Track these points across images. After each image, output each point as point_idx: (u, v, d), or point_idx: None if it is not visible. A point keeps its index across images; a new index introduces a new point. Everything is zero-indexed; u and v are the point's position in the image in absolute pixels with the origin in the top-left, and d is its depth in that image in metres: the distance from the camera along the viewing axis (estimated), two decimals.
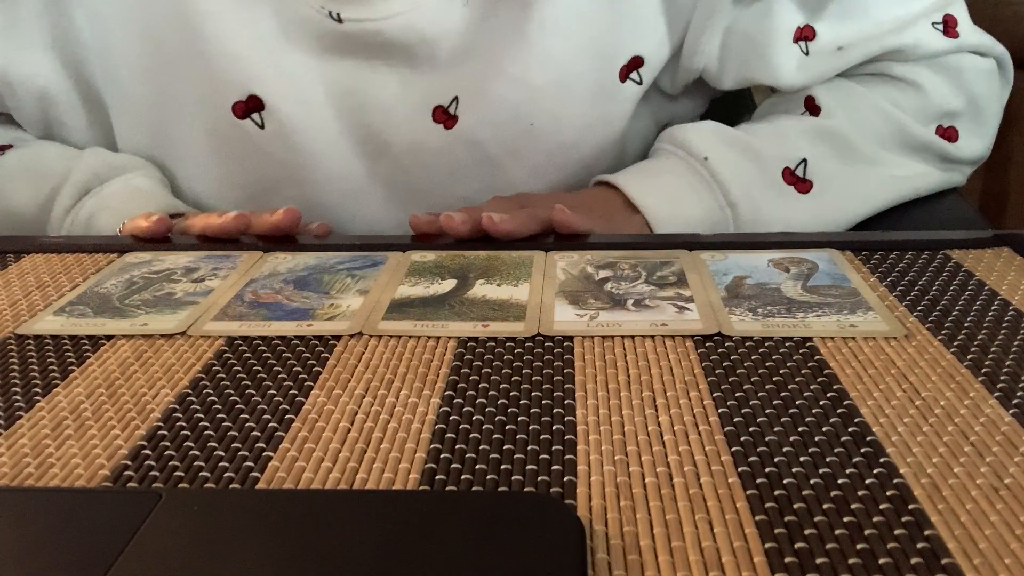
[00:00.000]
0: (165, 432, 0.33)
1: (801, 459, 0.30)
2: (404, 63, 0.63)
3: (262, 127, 0.63)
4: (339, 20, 0.61)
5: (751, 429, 0.32)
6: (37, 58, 0.65)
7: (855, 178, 0.65)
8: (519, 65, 0.63)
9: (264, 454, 0.32)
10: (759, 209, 0.62)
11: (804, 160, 0.63)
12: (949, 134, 0.68)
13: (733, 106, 0.78)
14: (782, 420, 0.33)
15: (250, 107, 0.63)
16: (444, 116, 0.64)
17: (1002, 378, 0.36)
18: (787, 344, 0.39)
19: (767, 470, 0.30)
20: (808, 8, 0.66)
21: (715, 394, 0.35)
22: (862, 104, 0.67)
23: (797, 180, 0.63)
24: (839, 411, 0.33)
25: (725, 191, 0.61)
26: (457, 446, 0.32)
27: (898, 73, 0.68)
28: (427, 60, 0.63)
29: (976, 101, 0.69)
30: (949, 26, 0.68)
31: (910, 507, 0.28)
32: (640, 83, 0.66)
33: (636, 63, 0.65)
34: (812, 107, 0.68)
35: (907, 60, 0.68)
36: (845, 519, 0.27)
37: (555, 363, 0.38)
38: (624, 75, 0.65)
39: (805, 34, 0.66)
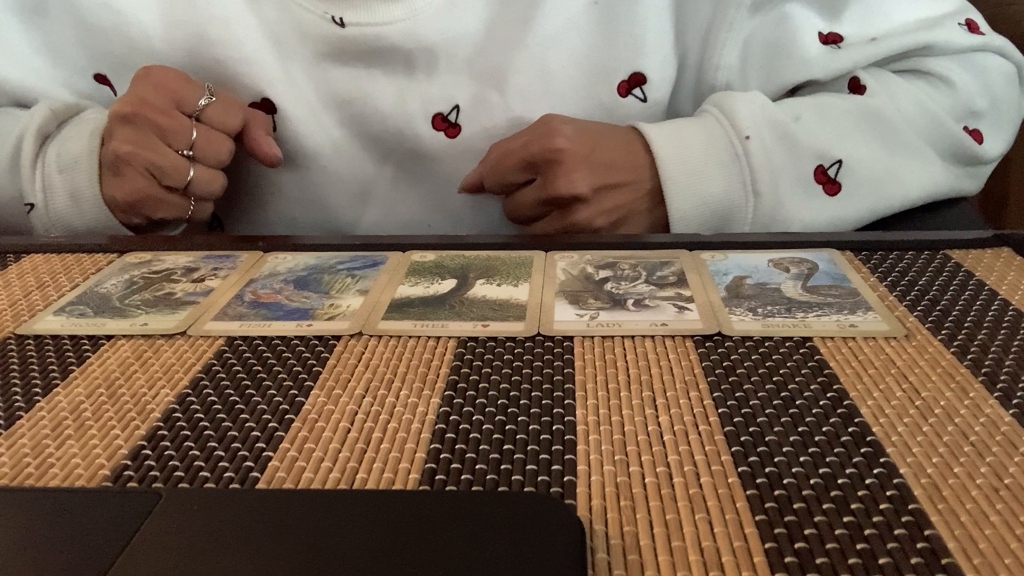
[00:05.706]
0: (165, 432, 0.33)
1: (801, 459, 0.30)
2: (403, 71, 0.63)
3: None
4: (342, 25, 0.61)
5: (751, 429, 0.32)
6: (17, 62, 0.66)
7: (888, 176, 0.63)
8: (519, 76, 0.63)
9: (264, 454, 0.32)
10: (782, 204, 0.60)
11: (839, 161, 0.61)
12: (975, 136, 0.68)
13: None
14: (782, 420, 0.33)
15: (263, 111, 0.63)
16: (444, 124, 0.64)
17: (1002, 378, 0.36)
18: (787, 344, 0.39)
19: (767, 470, 0.30)
20: (826, 13, 0.66)
21: (715, 394, 0.35)
22: (902, 93, 0.66)
23: (827, 181, 0.61)
24: (839, 411, 0.33)
25: (755, 178, 0.59)
26: (457, 446, 0.32)
27: (931, 67, 0.67)
28: (427, 68, 0.63)
29: (997, 103, 0.69)
30: (972, 27, 0.68)
31: (910, 507, 0.28)
32: (644, 100, 0.65)
33: (637, 80, 0.65)
34: (856, 87, 0.66)
35: (939, 55, 0.67)
36: (845, 519, 0.27)
37: (555, 363, 0.38)
38: (625, 91, 0.65)
39: (832, 39, 0.65)
